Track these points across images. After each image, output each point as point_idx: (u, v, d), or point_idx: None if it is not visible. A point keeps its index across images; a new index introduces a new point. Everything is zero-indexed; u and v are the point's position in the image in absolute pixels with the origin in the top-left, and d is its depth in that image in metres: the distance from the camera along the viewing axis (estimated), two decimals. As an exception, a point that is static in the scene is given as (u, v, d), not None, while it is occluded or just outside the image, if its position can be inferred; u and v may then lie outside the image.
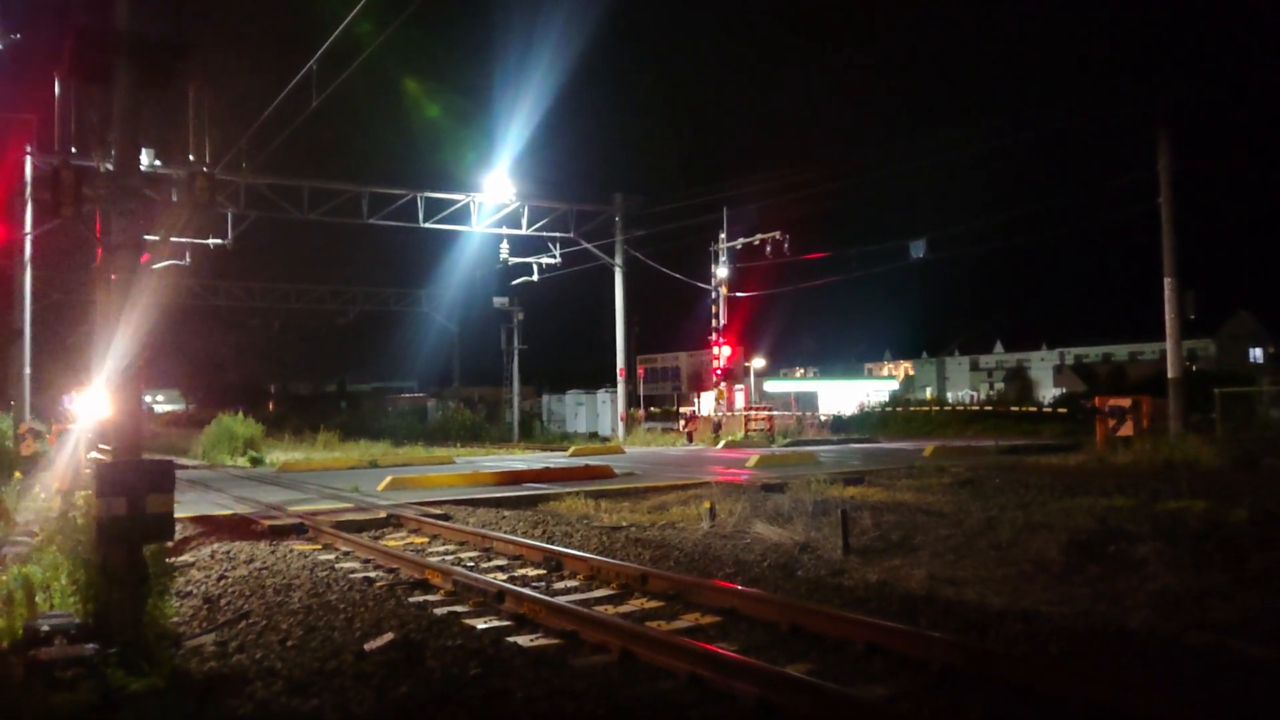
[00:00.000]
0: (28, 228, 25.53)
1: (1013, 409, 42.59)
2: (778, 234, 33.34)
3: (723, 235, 35.17)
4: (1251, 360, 71.65)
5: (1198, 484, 14.82)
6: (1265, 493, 13.31)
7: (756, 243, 34.18)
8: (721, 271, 35.37)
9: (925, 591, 8.02)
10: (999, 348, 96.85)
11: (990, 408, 46.72)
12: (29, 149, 24.77)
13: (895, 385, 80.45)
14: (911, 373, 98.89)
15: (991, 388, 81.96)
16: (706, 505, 12.66)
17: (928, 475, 18.10)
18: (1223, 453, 18.90)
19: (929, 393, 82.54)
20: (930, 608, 7.44)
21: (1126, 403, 22.89)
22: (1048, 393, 64.87)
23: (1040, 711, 5.13)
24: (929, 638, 6.16)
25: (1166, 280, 23.70)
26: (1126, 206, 25.08)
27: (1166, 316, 23.74)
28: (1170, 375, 23.62)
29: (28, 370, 26.45)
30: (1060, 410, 39.75)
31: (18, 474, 15.51)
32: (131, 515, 6.65)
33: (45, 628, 6.30)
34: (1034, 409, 42.14)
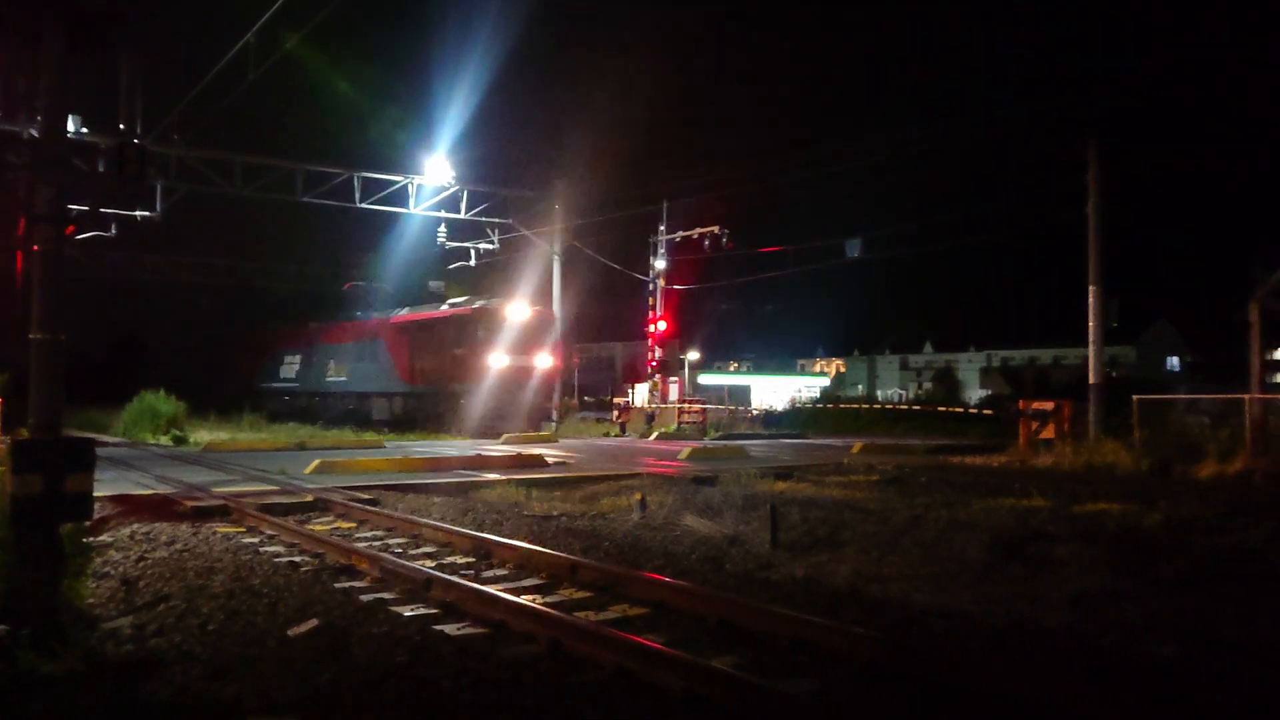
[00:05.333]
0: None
1: (940, 409, 43.32)
2: (716, 229, 33.56)
3: (662, 227, 35.25)
4: (1169, 368, 73.96)
5: (1114, 487, 15.28)
6: (1178, 497, 13.74)
7: (695, 236, 34.35)
8: (660, 264, 35.46)
9: (850, 587, 8.15)
10: (929, 348, 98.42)
11: (919, 407, 47.51)
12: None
13: (826, 382, 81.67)
14: (843, 370, 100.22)
15: (920, 387, 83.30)
16: (638, 496, 12.70)
17: (856, 472, 18.37)
18: (1139, 457, 19.47)
19: (859, 390, 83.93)
20: (855, 604, 7.55)
21: (1049, 406, 23.42)
22: (975, 393, 66.28)
23: (961, 707, 5.24)
24: (853, 633, 6.26)
25: (1091, 288, 24.32)
26: (1055, 214, 25.67)
27: (1090, 323, 24.38)
28: (1091, 381, 24.23)
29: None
30: (986, 411, 40.50)
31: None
32: (48, 493, 6.47)
33: (-47, 608, 6.11)
34: (960, 409, 42.92)
